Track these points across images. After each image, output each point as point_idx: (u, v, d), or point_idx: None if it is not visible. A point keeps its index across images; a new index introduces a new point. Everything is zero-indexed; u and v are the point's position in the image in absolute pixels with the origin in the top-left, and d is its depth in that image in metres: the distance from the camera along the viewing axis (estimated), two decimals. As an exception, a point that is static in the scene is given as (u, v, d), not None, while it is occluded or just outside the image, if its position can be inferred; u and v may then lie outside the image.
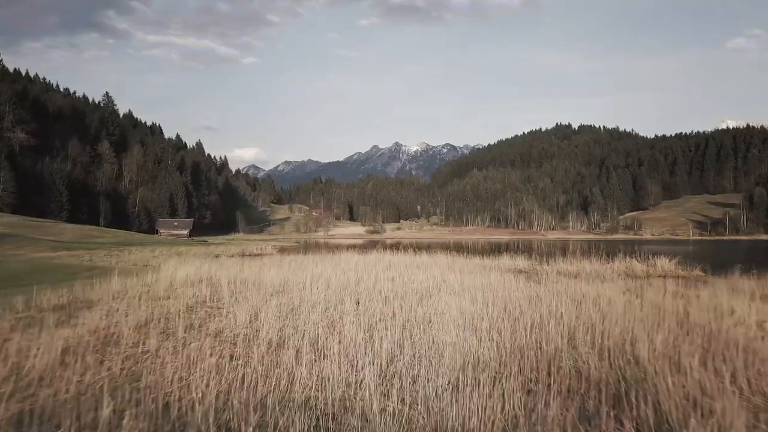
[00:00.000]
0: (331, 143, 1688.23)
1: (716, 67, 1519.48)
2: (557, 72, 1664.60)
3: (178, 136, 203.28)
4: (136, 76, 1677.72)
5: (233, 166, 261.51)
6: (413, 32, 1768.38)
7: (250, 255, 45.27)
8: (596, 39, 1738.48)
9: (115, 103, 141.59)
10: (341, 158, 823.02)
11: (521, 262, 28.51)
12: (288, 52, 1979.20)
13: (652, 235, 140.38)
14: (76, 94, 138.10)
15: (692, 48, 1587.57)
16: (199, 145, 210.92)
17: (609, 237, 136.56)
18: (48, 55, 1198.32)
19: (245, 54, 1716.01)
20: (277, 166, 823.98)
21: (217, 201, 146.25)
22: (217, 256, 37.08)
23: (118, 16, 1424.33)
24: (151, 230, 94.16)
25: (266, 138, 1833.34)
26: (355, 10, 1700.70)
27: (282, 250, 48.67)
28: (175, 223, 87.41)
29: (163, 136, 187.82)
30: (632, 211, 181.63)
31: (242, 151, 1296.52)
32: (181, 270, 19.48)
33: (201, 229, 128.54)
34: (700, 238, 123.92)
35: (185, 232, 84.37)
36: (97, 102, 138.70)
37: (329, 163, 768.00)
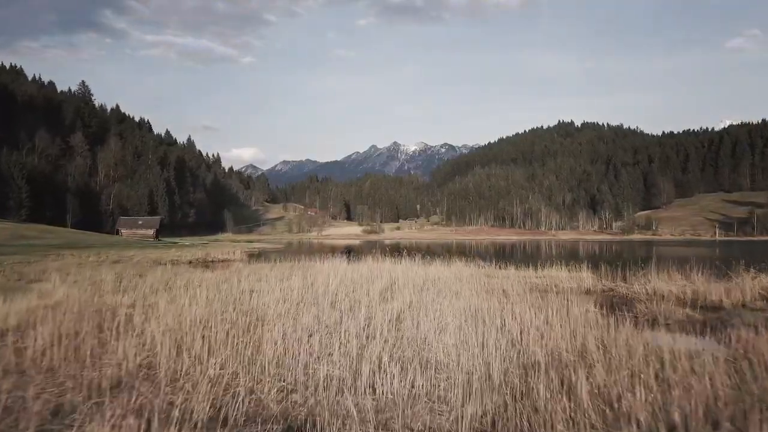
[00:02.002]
0: (330, 143, 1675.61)
1: (716, 67, 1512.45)
2: (556, 72, 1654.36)
3: (168, 132, 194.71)
4: (134, 75, 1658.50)
5: (233, 166, 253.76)
6: (411, 32, 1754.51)
7: (212, 261, 36.53)
8: (595, 39, 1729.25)
9: (91, 92, 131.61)
10: (339, 158, 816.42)
11: (585, 275, 19.59)
12: (286, 52, 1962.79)
13: (672, 235, 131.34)
14: (54, 85, 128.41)
15: (691, 48, 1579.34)
16: (190, 141, 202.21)
17: (625, 237, 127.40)
18: (46, 54, 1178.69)
19: (244, 54, 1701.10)
20: (275, 166, 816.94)
21: (204, 199, 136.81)
22: (161, 264, 28.34)
23: (116, 16, 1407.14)
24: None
25: (264, 138, 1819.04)
26: (353, 10, 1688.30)
27: (254, 256, 39.86)
28: (140, 222, 76.78)
29: (152, 131, 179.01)
30: (643, 210, 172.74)
31: (240, 151, 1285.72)
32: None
33: (185, 229, 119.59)
34: (726, 238, 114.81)
35: (151, 232, 74.10)
36: (73, 92, 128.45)
37: (327, 162, 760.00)
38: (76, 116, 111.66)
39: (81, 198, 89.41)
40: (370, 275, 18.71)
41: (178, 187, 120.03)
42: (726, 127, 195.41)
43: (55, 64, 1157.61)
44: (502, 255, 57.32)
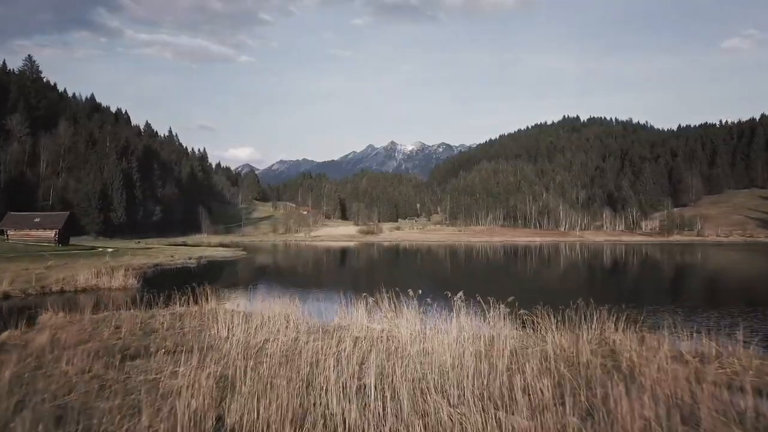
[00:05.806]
0: (327, 142, 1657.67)
1: (716, 66, 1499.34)
2: (554, 71, 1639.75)
3: (147, 123, 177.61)
4: (129, 75, 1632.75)
5: (229, 166, 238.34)
6: (407, 31, 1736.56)
7: (51, 293, 19.77)
8: (592, 38, 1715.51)
9: (40, 70, 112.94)
10: (336, 157, 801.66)
11: None
12: (282, 52, 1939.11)
13: (718, 236, 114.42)
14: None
15: (691, 47, 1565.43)
16: (170, 134, 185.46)
17: (666, 239, 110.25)
18: (39, 53, 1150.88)
19: (239, 53, 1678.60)
20: (272, 166, 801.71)
21: (176, 195, 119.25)
22: None
23: (109, 14, 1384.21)
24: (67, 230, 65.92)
25: (261, 137, 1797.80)
26: (348, 9, 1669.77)
27: (146, 276, 23.27)
28: (36, 220, 56.70)
29: (130, 123, 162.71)
30: (668, 209, 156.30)
31: (237, 151, 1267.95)
32: None
33: (150, 228, 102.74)
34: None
35: (51, 233, 55.07)
36: (18, 69, 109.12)
37: (324, 162, 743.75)
38: (19, 96, 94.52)
39: (11, 192, 72.48)
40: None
41: (141, 180, 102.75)
42: (758, 117, 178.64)
43: (50, 63, 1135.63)
44: (569, 269, 40.90)
